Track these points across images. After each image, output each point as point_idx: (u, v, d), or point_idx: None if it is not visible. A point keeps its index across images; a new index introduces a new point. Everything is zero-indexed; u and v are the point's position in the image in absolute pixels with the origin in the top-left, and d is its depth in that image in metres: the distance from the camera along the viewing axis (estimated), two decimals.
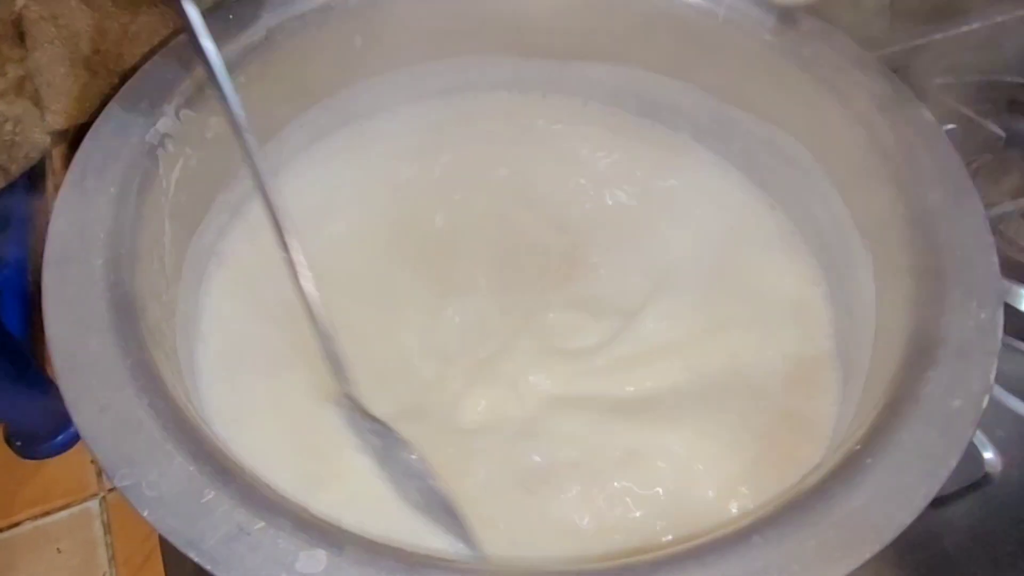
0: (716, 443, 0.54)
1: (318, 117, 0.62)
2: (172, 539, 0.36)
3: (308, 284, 0.47)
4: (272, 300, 0.56)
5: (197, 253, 0.54)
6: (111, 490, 0.72)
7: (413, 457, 0.50)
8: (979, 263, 0.48)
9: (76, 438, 0.74)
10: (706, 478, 0.52)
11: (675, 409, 0.55)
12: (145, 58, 0.65)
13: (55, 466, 0.74)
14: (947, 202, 0.51)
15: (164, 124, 0.51)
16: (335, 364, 0.49)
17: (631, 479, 0.52)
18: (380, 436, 0.51)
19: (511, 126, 0.68)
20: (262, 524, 0.37)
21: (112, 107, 0.51)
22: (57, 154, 0.69)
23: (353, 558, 0.37)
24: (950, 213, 0.50)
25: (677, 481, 0.52)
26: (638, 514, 0.51)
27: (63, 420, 0.74)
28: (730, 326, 0.59)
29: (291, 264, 0.46)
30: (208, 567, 0.36)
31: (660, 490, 0.52)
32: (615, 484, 0.52)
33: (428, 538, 0.48)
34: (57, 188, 0.67)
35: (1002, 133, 0.74)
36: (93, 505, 0.72)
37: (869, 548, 0.38)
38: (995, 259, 0.48)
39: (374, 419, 0.50)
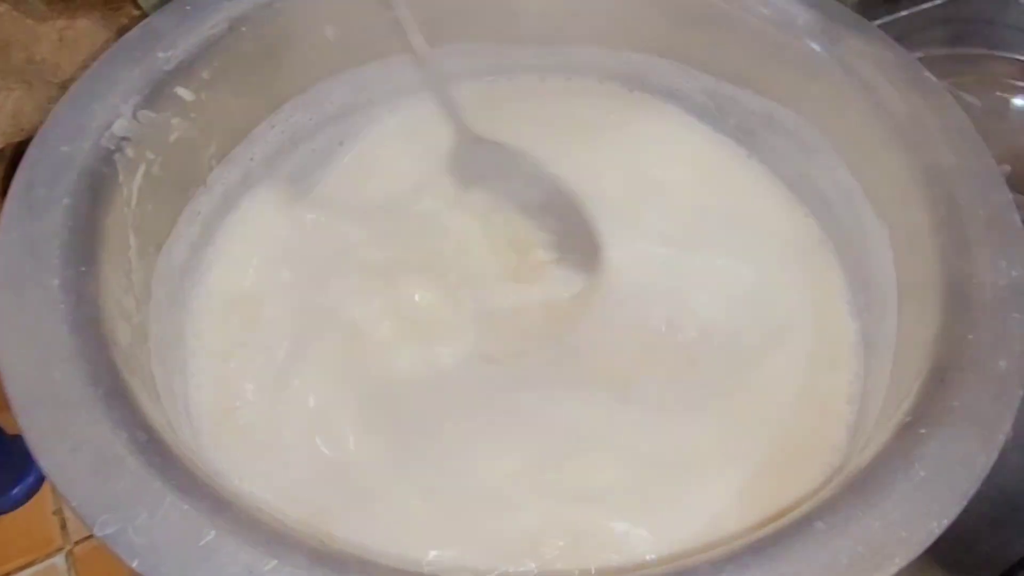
0: (735, 427, 0.52)
1: (291, 115, 0.57)
2: None
3: (418, 39, 0.56)
4: (259, 318, 0.52)
5: (167, 269, 0.48)
6: (79, 542, 0.66)
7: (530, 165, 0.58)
8: (1003, 221, 0.47)
9: (35, 489, 0.68)
10: (728, 467, 0.50)
11: (683, 391, 0.53)
12: (87, 66, 0.61)
13: (12, 522, 0.67)
14: (961, 163, 0.49)
15: (121, 126, 0.45)
16: (449, 105, 0.60)
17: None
18: (495, 153, 0.59)
19: (499, 114, 0.63)
20: (274, 563, 0.32)
21: (60, 110, 0.45)
22: None
23: None
24: (966, 174, 0.49)
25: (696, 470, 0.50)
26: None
27: (16, 471, 0.68)
28: (739, 306, 0.57)
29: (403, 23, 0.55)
30: None
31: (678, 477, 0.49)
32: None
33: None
34: None
35: (978, 103, 0.75)
36: (59, 561, 0.66)
37: (937, 523, 0.36)
38: (1017, 216, 0.47)
39: (488, 141, 0.59)
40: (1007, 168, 0.69)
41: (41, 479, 0.69)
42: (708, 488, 0.49)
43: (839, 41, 0.55)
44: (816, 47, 0.55)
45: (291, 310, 0.54)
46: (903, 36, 0.78)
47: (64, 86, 0.59)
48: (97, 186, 0.43)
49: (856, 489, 0.37)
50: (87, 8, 0.57)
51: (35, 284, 0.38)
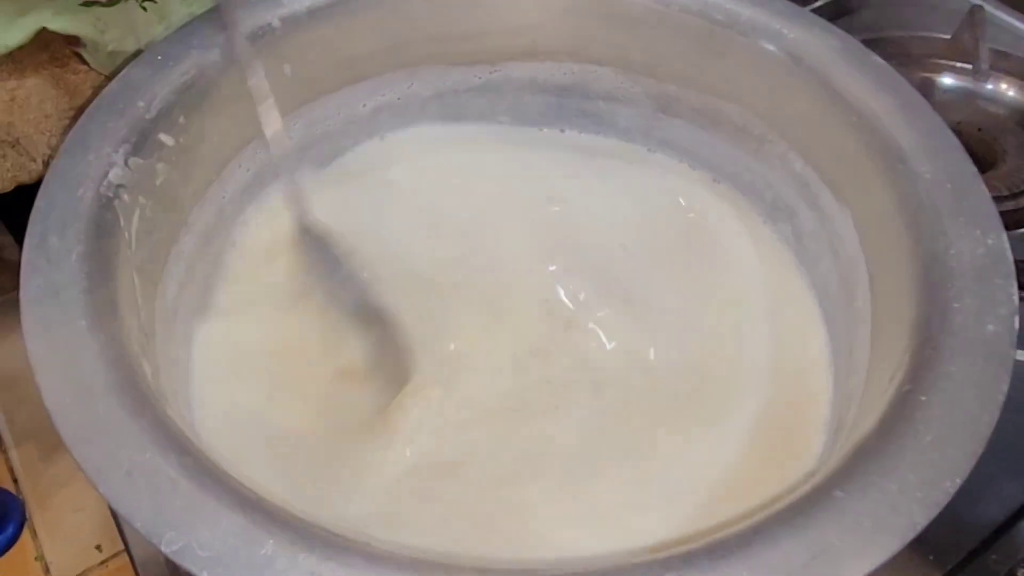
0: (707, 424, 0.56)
1: (257, 152, 0.61)
2: None
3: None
4: (257, 350, 0.57)
5: (163, 309, 0.52)
6: None
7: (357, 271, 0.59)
8: (971, 192, 0.50)
9: (15, 538, 0.71)
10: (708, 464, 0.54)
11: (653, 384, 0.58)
12: (38, 124, 0.64)
13: None
14: (922, 140, 0.53)
15: (116, 174, 0.49)
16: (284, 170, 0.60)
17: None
18: (322, 247, 0.59)
19: (448, 142, 0.69)
20: (333, 565, 0.36)
21: (57, 164, 0.49)
22: None
23: None
24: (926, 149, 0.52)
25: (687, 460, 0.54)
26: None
27: None
28: (701, 306, 0.62)
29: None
30: None
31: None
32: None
33: None
34: None
35: None
36: None
37: (951, 482, 0.39)
38: (984, 187, 0.50)
39: (321, 230, 0.60)
40: None
41: (20, 528, 0.72)
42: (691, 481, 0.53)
43: (782, 33, 0.59)
44: (761, 41, 0.59)
45: (270, 346, 0.58)
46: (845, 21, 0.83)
47: (16, 144, 0.63)
48: (103, 232, 0.47)
49: (868, 456, 0.40)
50: (35, 67, 0.61)
51: (65, 327, 0.42)
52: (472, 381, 0.57)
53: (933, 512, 0.38)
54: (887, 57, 0.81)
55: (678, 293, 0.62)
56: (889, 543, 0.37)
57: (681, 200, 0.67)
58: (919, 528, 0.38)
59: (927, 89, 0.86)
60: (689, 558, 0.37)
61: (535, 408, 0.57)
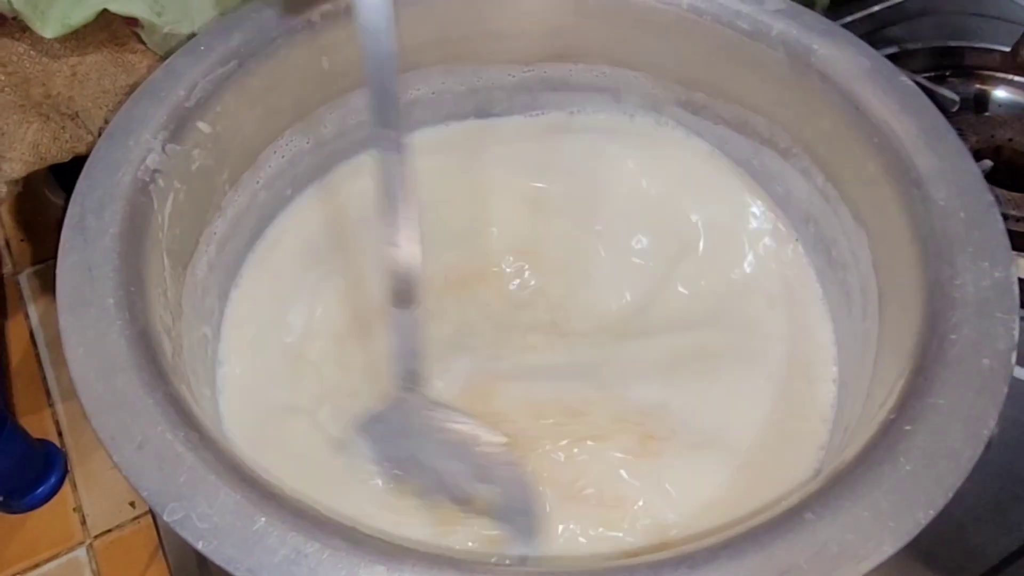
0: (714, 422, 0.57)
1: (291, 140, 0.65)
2: (231, 568, 0.38)
3: None
4: (277, 328, 0.60)
5: (192, 287, 0.56)
6: (98, 536, 0.75)
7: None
8: (985, 223, 0.50)
9: (56, 488, 0.77)
10: (710, 458, 0.56)
11: (665, 385, 0.60)
12: (96, 99, 0.68)
13: (38, 518, 0.76)
14: (941, 165, 0.53)
15: (153, 160, 0.52)
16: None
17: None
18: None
19: (480, 134, 0.72)
20: (317, 545, 0.39)
21: (100, 147, 0.52)
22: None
23: (412, 572, 0.39)
24: (945, 176, 0.52)
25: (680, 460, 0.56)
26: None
27: (39, 473, 0.76)
28: (712, 306, 0.64)
29: None
30: None
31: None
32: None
33: None
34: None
35: (955, 97, 0.78)
36: (81, 554, 0.74)
37: (923, 513, 0.40)
38: (1000, 218, 0.50)
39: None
40: (987, 163, 0.72)
41: (62, 479, 0.77)
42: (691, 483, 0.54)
43: (813, 48, 0.59)
44: (791, 57, 0.60)
45: (303, 323, 0.62)
46: (877, 31, 0.82)
47: (76, 117, 0.67)
48: (137, 215, 0.50)
49: (843, 482, 0.41)
50: (96, 45, 0.64)
51: (94, 304, 0.46)
52: None
53: (902, 541, 0.39)
54: (941, 68, 0.84)
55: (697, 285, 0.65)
56: (854, 569, 0.39)
57: (707, 195, 0.69)
58: (886, 556, 0.39)
59: (981, 102, 0.86)
60: (656, 568, 0.39)
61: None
